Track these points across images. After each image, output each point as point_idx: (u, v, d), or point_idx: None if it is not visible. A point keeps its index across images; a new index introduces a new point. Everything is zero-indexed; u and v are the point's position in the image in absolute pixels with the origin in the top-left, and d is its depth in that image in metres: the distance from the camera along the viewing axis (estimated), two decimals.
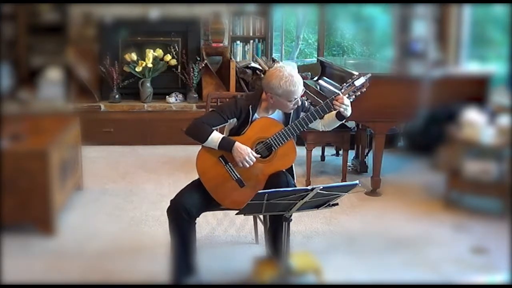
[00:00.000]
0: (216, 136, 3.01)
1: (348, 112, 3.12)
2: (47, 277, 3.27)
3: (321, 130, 3.33)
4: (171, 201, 3.02)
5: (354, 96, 3.17)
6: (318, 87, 5.59)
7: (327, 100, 3.12)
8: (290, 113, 3.13)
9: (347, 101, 3.10)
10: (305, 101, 3.25)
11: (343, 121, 3.23)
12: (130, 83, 6.53)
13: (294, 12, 7.47)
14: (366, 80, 3.16)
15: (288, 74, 3.01)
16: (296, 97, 3.04)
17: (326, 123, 3.27)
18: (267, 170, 3.07)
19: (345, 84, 3.18)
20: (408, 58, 6.42)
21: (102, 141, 6.05)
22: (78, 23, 6.64)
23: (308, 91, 5.46)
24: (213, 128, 3.04)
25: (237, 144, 3.00)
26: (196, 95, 6.63)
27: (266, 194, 2.56)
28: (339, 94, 3.10)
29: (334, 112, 3.18)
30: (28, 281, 3.20)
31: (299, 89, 3.04)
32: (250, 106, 3.09)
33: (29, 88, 6.75)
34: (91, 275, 3.29)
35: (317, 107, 3.13)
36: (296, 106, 3.09)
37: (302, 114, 3.13)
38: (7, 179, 3.70)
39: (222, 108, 3.13)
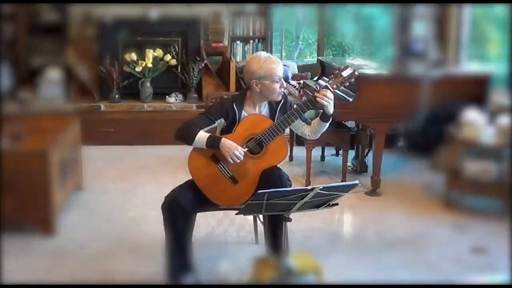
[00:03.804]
0: (202, 135, 3.02)
1: (330, 108, 3.06)
2: (47, 277, 3.27)
3: (308, 137, 3.34)
4: (166, 197, 3.03)
5: (342, 88, 3.16)
6: (318, 87, 5.58)
7: (311, 95, 3.11)
8: (277, 109, 3.16)
9: (330, 95, 3.04)
10: (293, 102, 3.26)
11: (328, 123, 3.16)
12: (130, 83, 6.53)
13: (294, 12, 7.49)
14: (353, 70, 3.13)
15: (265, 55, 3.13)
16: (279, 75, 3.08)
17: (313, 129, 3.26)
18: (259, 166, 3.08)
19: (332, 75, 3.15)
20: (408, 58, 6.42)
21: (102, 141, 6.05)
22: (78, 23, 6.64)
23: (308, 91, 5.46)
24: (200, 130, 3.04)
25: (223, 140, 3.01)
26: (196, 95, 6.62)
27: (266, 194, 2.56)
28: (326, 86, 3.08)
29: (318, 117, 3.18)
30: (28, 281, 3.20)
31: (280, 66, 3.10)
32: (235, 104, 3.12)
33: (29, 88, 6.76)
34: (91, 275, 3.29)
35: (302, 100, 3.16)
36: (282, 89, 3.12)
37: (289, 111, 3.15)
38: (7, 179, 3.70)
39: (208, 110, 3.20)
